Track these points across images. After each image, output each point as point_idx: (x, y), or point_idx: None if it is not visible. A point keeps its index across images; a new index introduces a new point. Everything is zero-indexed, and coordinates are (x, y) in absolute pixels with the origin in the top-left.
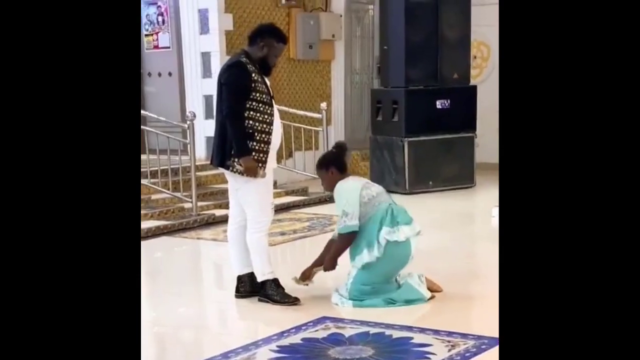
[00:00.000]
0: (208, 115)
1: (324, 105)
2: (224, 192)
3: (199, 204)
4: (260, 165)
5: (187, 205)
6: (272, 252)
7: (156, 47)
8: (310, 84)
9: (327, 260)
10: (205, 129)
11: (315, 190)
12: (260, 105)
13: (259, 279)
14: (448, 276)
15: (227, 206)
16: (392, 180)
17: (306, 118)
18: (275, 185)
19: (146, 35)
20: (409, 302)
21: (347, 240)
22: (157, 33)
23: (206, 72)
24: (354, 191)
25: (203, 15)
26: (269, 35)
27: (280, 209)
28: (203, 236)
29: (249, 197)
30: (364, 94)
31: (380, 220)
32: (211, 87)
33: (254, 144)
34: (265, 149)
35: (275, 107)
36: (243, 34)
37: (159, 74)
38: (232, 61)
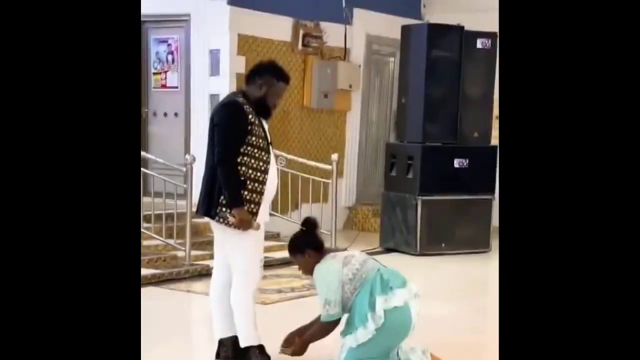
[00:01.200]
0: None
1: (334, 156)
2: None
3: (193, 252)
4: (251, 217)
5: (180, 254)
6: (265, 312)
7: (164, 86)
8: (323, 134)
9: (298, 343)
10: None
11: None
12: (255, 150)
13: (242, 344)
14: (457, 351)
15: None
16: (403, 239)
17: (316, 169)
18: (278, 237)
19: (154, 73)
20: None
21: (326, 330)
22: (165, 72)
23: None
24: (334, 274)
25: (214, 57)
26: (268, 73)
27: (280, 263)
28: (193, 289)
29: (237, 251)
30: (379, 148)
31: (370, 290)
32: None
33: (246, 193)
34: (257, 200)
35: (272, 154)
36: None
37: (165, 114)
38: (227, 100)
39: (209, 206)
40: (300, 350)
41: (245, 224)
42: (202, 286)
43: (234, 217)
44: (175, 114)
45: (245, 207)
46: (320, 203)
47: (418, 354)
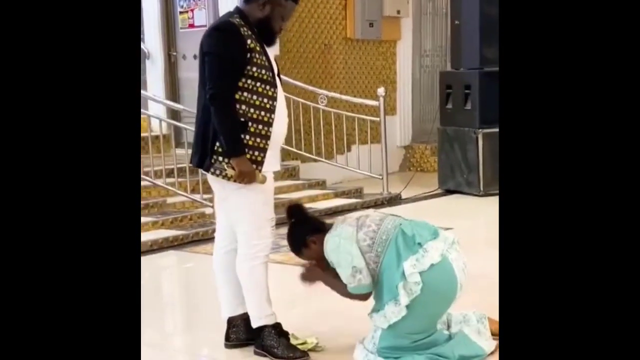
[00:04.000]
0: None
1: (381, 90)
2: None
3: None
4: (256, 167)
5: (208, 211)
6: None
7: (191, 25)
8: (370, 68)
9: (312, 270)
10: None
11: (372, 190)
12: (258, 84)
13: (254, 324)
14: None
15: None
16: (464, 179)
17: (364, 107)
18: (323, 185)
19: (180, 13)
20: (465, 359)
21: (348, 296)
22: (192, 10)
23: None
24: (349, 239)
25: None
26: None
27: (326, 214)
28: None
29: (239, 210)
30: (435, 79)
31: (396, 252)
32: None
33: (248, 137)
34: (262, 145)
35: (280, 87)
36: None
37: (195, 56)
38: (220, 21)
39: (202, 156)
40: (309, 276)
41: (246, 177)
42: None
43: (233, 168)
44: None
45: (248, 155)
46: (368, 144)
47: (473, 323)
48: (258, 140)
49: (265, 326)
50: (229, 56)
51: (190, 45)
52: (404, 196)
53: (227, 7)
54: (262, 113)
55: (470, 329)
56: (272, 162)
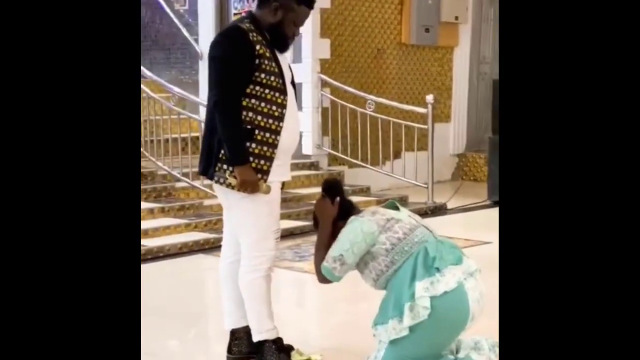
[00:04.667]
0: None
1: (430, 97)
2: (301, 199)
3: None
4: (261, 176)
5: None
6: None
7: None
8: (425, 74)
9: (322, 210)
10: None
11: (417, 199)
12: (267, 91)
13: (255, 338)
14: None
15: (297, 217)
16: None
17: (414, 114)
18: (367, 192)
19: (235, 14)
20: None
21: (316, 272)
22: (246, 11)
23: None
24: (365, 236)
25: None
26: None
27: None
28: None
29: (243, 221)
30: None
31: (412, 270)
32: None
33: (254, 145)
34: (269, 154)
35: (291, 94)
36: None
37: None
38: (229, 27)
39: (207, 163)
40: (319, 209)
41: (249, 186)
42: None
43: (235, 177)
44: None
45: (254, 164)
46: (417, 152)
47: (484, 351)
48: (265, 148)
49: (265, 341)
50: (234, 62)
51: None
52: (451, 206)
53: None
54: (270, 121)
55: (481, 357)
56: (279, 172)
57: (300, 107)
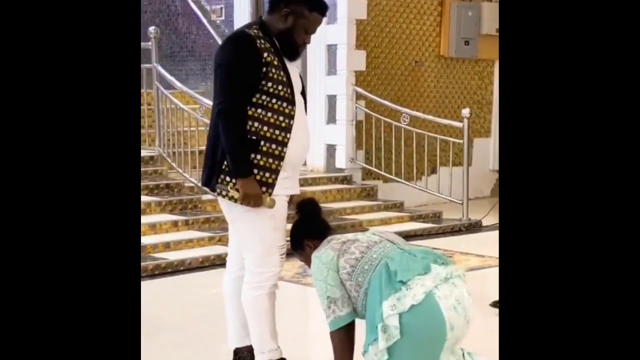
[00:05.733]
0: (330, 120)
1: (465, 112)
2: (332, 213)
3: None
4: (265, 189)
5: None
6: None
7: None
8: (465, 88)
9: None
10: (326, 134)
11: (452, 216)
12: (274, 101)
13: (257, 358)
14: None
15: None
16: None
17: (453, 128)
18: (401, 207)
19: None
20: None
21: (344, 338)
22: None
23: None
24: (328, 265)
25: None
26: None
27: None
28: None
29: (246, 235)
30: None
31: (378, 289)
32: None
33: (259, 157)
34: (275, 167)
35: (300, 105)
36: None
37: None
38: (235, 32)
39: (209, 174)
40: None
41: (252, 199)
42: (290, 266)
43: (237, 190)
44: None
45: (258, 176)
46: (453, 167)
47: None
48: (270, 160)
49: None
50: (240, 69)
51: None
52: (487, 223)
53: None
54: (277, 132)
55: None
56: (286, 185)
57: (334, 120)
